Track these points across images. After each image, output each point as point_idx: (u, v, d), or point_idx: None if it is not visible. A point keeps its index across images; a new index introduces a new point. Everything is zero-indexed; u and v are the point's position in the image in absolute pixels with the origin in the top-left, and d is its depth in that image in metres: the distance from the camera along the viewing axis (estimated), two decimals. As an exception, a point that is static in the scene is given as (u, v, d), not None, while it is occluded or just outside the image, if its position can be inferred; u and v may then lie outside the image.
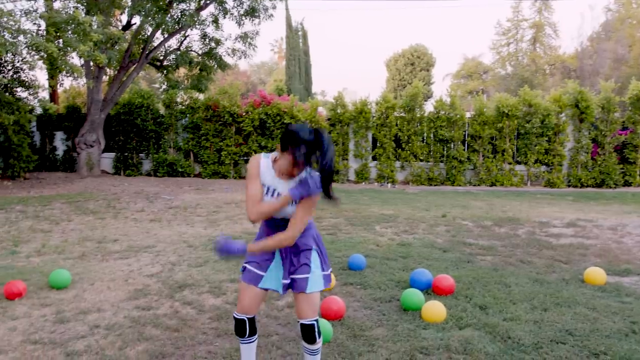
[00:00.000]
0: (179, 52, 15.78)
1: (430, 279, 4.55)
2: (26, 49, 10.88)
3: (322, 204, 2.68)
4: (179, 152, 15.48)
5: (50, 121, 15.92)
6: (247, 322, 2.79)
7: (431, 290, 4.50)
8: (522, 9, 42.33)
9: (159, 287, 4.72)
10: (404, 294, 4.16)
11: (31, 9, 11.44)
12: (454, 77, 46.15)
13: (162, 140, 15.35)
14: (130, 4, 13.49)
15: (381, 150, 15.00)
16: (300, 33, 29.56)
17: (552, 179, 14.60)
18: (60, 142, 16.12)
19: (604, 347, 3.36)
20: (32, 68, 12.26)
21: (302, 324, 2.75)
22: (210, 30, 15.64)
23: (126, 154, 15.52)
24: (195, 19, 14.10)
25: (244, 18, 15.26)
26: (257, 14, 15.12)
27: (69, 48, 11.16)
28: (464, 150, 14.99)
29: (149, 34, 14.93)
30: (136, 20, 14.96)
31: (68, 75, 13.08)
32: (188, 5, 14.58)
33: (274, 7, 15.44)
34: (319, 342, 2.81)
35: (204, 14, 15.17)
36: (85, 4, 12.77)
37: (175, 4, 14.28)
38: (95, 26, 11.86)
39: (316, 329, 2.76)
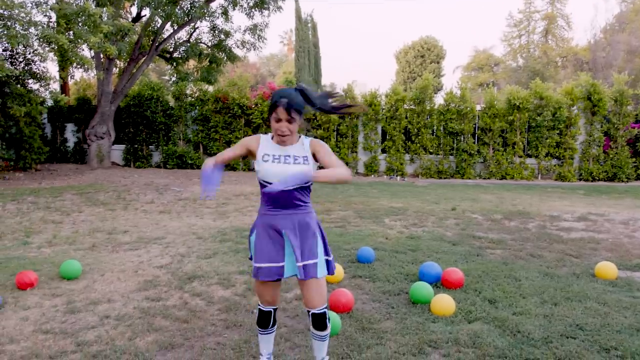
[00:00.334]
0: (188, 44, 15.79)
1: (440, 272, 4.54)
2: (37, 40, 10.94)
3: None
4: (188, 144, 15.54)
5: (61, 113, 16.02)
6: (272, 313, 2.86)
7: (440, 283, 4.48)
8: (534, 0, 41.82)
9: (169, 279, 4.74)
10: (413, 287, 4.14)
11: (42, 0, 11.47)
12: (464, 69, 45.78)
13: (172, 132, 15.40)
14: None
15: (390, 143, 14.94)
16: (309, 25, 29.41)
17: (563, 173, 14.47)
18: (71, 134, 16.23)
19: (614, 343, 3.33)
20: (43, 60, 12.32)
21: (313, 314, 2.76)
22: (219, 22, 15.64)
23: (136, 145, 15.60)
24: (205, 10, 14.08)
25: (253, 10, 15.23)
26: (266, 6, 15.08)
27: (79, 40, 11.20)
28: (474, 143, 14.90)
29: (158, 25, 14.95)
30: (146, 12, 14.97)
31: (79, 67, 13.15)
32: (198, -4, 14.56)
33: (284, -1, 15.38)
34: (329, 328, 2.85)
35: (214, 5, 15.15)
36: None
37: (184, -5, 14.27)
38: (105, 18, 11.90)
39: (327, 317, 2.79)
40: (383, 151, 15.25)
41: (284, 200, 2.72)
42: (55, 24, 11.85)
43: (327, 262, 2.81)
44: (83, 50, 13.35)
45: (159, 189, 10.77)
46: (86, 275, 4.82)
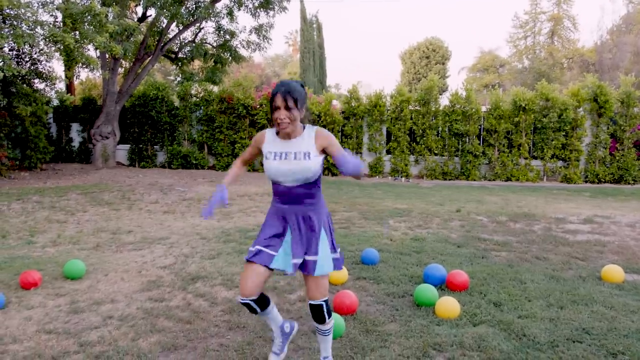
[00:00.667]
0: (193, 45, 15.81)
1: (444, 274, 4.51)
2: (43, 40, 10.96)
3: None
4: (193, 144, 15.55)
5: (67, 113, 16.07)
6: (252, 304, 2.79)
7: (445, 285, 4.45)
8: (540, 1, 41.68)
9: (172, 279, 4.73)
10: (418, 289, 4.12)
11: (48, 0, 11.50)
12: (469, 70, 45.67)
13: (177, 132, 15.41)
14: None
15: (395, 144, 14.91)
16: (314, 26, 29.46)
17: (569, 175, 14.39)
18: (76, 134, 16.28)
19: (621, 347, 3.29)
20: (49, 59, 12.36)
21: (310, 304, 2.80)
22: (225, 22, 15.66)
23: (141, 145, 15.63)
24: (210, 11, 14.10)
25: (258, 10, 15.24)
26: (271, 6, 15.09)
27: (85, 39, 11.22)
28: (479, 144, 14.84)
29: (164, 26, 14.96)
30: (151, 12, 15.00)
31: (84, 66, 13.18)
32: (203, -3, 14.58)
33: (288, 0, 15.38)
34: (330, 323, 2.86)
35: (219, 6, 15.15)
36: (101, -5, 12.82)
37: (190, -5, 14.29)
38: (111, 17, 11.91)
39: (325, 309, 2.79)
40: (388, 152, 15.22)
41: (291, 196, 2.75)
42: (62, 23, 11.88)
43: (334, 259, 2.81)
44: (89, 50, 13.38)
45: (163, 189, 10.78)
46: (90, 275, 4.82)
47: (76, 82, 17.45)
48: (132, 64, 15.23)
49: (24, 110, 12.13)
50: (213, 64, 16.41)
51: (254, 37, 15.97)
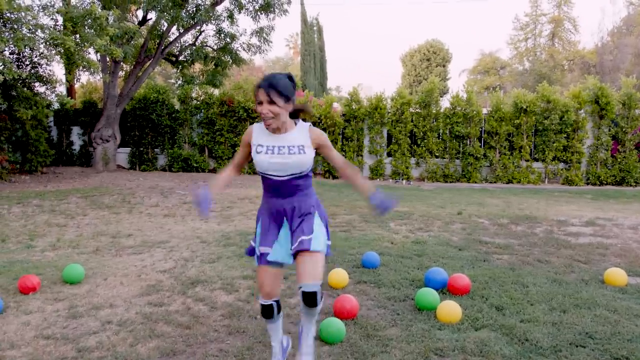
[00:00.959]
0: (194, 48, 15.81)
1: (446, 278, 4.47)
2: (44, 43, 10.96)
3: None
4: (193, 147, 15.53)
5: (67, 116, 16.07)
6: (274, 305, 2.82)
7: (446, 289, 4.42)
8: (540, 4, 41.70)
9: (172, 283, 4.70)
10: (419, 293, 4.08)
11: (49, 3, 11.51)
12: (470, 72, 45.69)
13: (177, 135, 15.40)
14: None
15: (396, 147, 14.88)
16: (315, 28, 29.48)
17: (571, 177, 14.35)
18: (76, 137, 16.27)
19: (625, 352, 3.26)
20: (49, 63, 12.36)
21: (304, 292, 2.63)
22: (225, 25, 15.64)
23: (141, 149, 15.62)
24: (211, 14, 14.10)
25: (259, 13, 15.22)
26: (272, 9, 15.08)
27: (85, 43, 11.22)
28: (481, 146, 14.81)
29: (164, 29, 14.97)
30: (152, 15, 15.01)
31: (85, 70, 13.18)
32: (203, 0, 14.58)
33: (289, 2, 15.38)
34: (320, 304, 2.74)
35: (219, 9, 15.17)
36: (101, -2, 12.85)
37: (190, -1, 14.29)
38: (112, 20, 11.91)
39: (319, 295, 2.66)
40: (389, 155, 15.19)
41: (285, 189, 2.73)
42: (62, 27, 11.89)
43: (327, 245, 2.80)
44: (90, 53, 13.39)
45: (163, 192, 10.76)
46: (89, 279, 4.79)
47: (77, 85, 17.47)
48: (132, 67, 15.24)
49: (24, 114, 12.12)
50: (214, 67, 16.40)
51: (254, 40, 15.97)
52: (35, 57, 12.70)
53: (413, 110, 15.01)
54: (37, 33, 10.77)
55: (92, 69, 12.38)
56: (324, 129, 14.87)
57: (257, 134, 2.74)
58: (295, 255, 2.71)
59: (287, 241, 2.74)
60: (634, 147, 14.39)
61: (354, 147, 15.01)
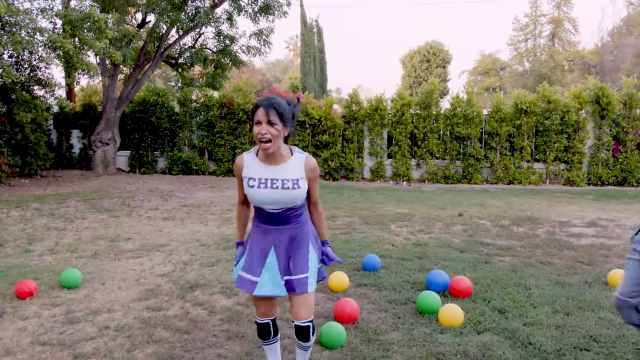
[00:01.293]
0: (193, 50, 15.79)
1: (447, 280, 4.42)
2: (42, 47, 10.93)
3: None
4: (193, 150, 15.49)
5: (67, 119, 16.04)
6: (270, 324, 2.77)
7: (448, 292, 4.37)
8: (540, 4, 41.68)
9: (170, 287, 4.65)
10: (420, 296, 4.03)
11: (47, 7, 11.48)
12: (470, 73, 45.66)
13: (177, 138, 15.36)
14: (144, 1, 13.51)
15: (397, 148, 14.83)
16: (315, 30, 29.46)
17: (572, 177, 14.30)
18: (76, 140, 16.24)
19: (631, 356, 3.20)
20: (48, 66, 12.33)
21: (297, 326, 2.64)
22: (224, 27, 15.63)
23: (141, 151, 15.57)
24: (210, 16, 14.07)
25: (258, 15, 15.21)
26: (271, 11, 15.05)
27: (85, 46, 11.19)
28: (481, 147, 14.76)
29: (163, 31, 14.94)
30: (151, 18, 14.98)
31: (84, 73, 13.15)
32: (202, 2, 14.56)
33: (289, 4, 15.36)
34: (313, 339, 2.73)
35: (219, 11, 15.15)
36: (100, 1, 12.82)
37: (189, 1, 14.27)
38: (111, 23, 11.89)
39: (311, 329, 2.66)
40: (389, 156, 15.14)
41: (277, 219, 2.62)
42: (61, 30, 11.86)
43: (318, 270, 2.73)
44: (89, 56, 13.37)
45: (163, 195, 10.72)
46: (87, 284, 4.74)
47: (77, 88, 17.46)
48: (132, 70, 15.21)
49: (24, 117, 12.09)
50: (213, 69, 16.37)
51: (254, 42, 15.95)
52: (34, 60, 12.68)
53: (413, 112, 14.96)
54: (35, 36, 10.74)
55: (91, 72, 12.34)
56: (324, 131, 14.83)
57: (247, 166, 2.60)
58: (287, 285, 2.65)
59: (276, 271, 2.61)
60: (636, 147, 14.34)
61: (354, 148, 14.96)
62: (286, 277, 2.61)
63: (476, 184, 14.44)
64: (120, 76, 16.24)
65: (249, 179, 2.57)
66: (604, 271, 5.17)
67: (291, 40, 51.20)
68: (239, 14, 15.17)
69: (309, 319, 2.64)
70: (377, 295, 4.42)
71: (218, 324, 3.80)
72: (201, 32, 15.89)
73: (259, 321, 2.77)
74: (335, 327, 3.40)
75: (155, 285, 4.71)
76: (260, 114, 2.44)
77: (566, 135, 14.41)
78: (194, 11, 14.15)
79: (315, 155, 14.65)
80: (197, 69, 17.58)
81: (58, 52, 10.84)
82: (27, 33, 10.50)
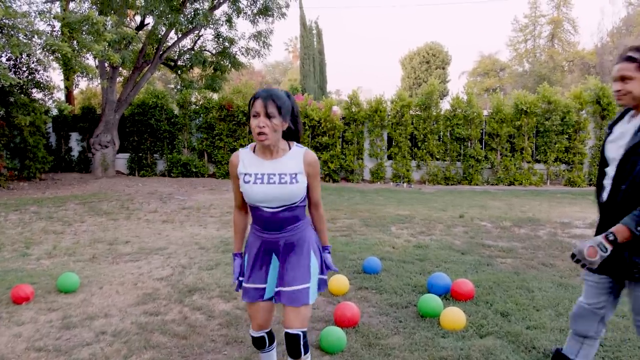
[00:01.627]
0: (192, 52, 15.74)
1: (449, 283, 4.37)
2: (40, 49, 10.89)
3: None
4: (192, 152, 15.44)
5: (66, 122, 15.99)
6: (265, 337, 2.64)
7: (450, 295, 4.31)
8: (539, 5, 41.67)
9: (169, 291, 4.60)
10: (421, 299, 3.98)
11: (45, 10, 11.44)
12: (469, 74, 45.65)
13: (176, 140, 15.31)
14: (143, 3, 13.47)
15: (397, 149, 14.78)
16: (314, 32, 29.44)
17: (573, 178, 14.24)
18: (75, 143, 16.19)
19: (637, 359, 3.14)
20: (46, 69, 12.29)
21: (287, 334, 2.44)
22: (224, 29, 15.59)
23: (140, 154, 15.52)
24: (209, 18, 14.03)
25: (257, 17, 15.18)
26: (270, 13, 15.02)
27: (83, 48, 11.15)
28: (482, 148, 14.71)
29: (162, 34, 14.90)
30: (149, 20, 14.94)
31: (82, 75, 13.11)
32: (201, 4, 14.53)
33: (287, 6, 15.34)
34: (306, 357, 2.51)
35: (218, 13, 15.12)
36: (98, 4, 12.78)
37: (188, 3, 14.24)
38: (109, 26, 11.85)
39: (301, 341, 2.44)
40: (389, 158, 15.08)
41: (275, 222, 2.44)
42: (59, 32, 11.83)
43: (320, 280, 2.56)
44: (88, 59, 13.33)
45: (162, 198, 10.66)
46: (84, 288, 4.69)
47: (76, 91, 17.41)
48: (131, 72, 15.16)
49: (22, 120, 12.05)
50: (212, 71, 16.33)
51: (253, 44, 15.92)
52: (32, 63, 12.63)
53: (413, 113, 14.91)
54: (33, 39, 10.70)
55: (89, 75, 12.30)
56: (324, 132, 14.78)
57: (243, 162, 2.44)
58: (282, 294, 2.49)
59: (275, 278, 2.49)
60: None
61: (354, 150, 14.91)
62: (286, 288, 2.44)
63: (477, 185, 14.38)
64: (119, 79, 16.19)
65: (245, 174, 2.41)
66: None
67: (290, 42, 51.21)
68: (238, 16, 15.14)
69: (301, 329, 2.45)
70: (377, 299, 4.36)
71: (217, 328, 3.74)
72: (200, 34, 15.86)
73: (254, 335, 2.62)
74: (335, 332, 3.34)
75: (154, 289, 4.66)
76: (258, 106, 2.30)
77: (567, 136, 14.36)
78: (192, 13, 14.10)
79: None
80: (197, 71, 17.55)
81: (56, 55, 10.80)
82: (25, 36, 10.46)
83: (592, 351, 2.69)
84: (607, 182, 2.50)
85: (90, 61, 13.59)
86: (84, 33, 11.21)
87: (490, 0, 66.85)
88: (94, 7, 12.70)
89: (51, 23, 11.61)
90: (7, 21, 10.11)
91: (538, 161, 14.71)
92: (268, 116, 2.29)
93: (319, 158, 14.63)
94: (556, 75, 36.71)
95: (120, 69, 15.28)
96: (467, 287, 4.29)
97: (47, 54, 11.01)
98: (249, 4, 15.02)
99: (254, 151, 2.47)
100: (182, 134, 15.38)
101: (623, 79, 2.40)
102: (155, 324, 3.80)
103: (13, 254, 6.10)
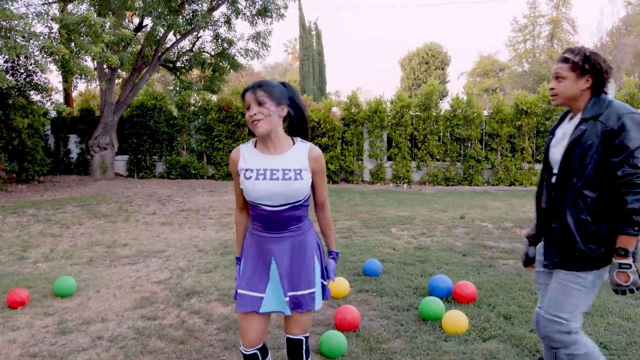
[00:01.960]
0: (191, 54, 15.69)
1: (451, 285, 4.31)
2: (39, 51, 10.83)
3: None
4: (192, 154, 15.39)
5: (64, 124, 15.94)
6: (259, 354, 2.39)
7: (451, 297, 4.25)
8: (538, 5, 41.65)
9: (166, 295, 4.53)
10: (423, 302, 3.91)
11: (43, 11, 11.38)
12: (469, 75, 45.61)
13: (175, 142, 15.26)
14: (141, 5, 13.42)
15: (396, 150, 14.72)
16: (313, 33, 29.41)
17: (574, 178, 14.18)
18: (74, 145, 16.14)
19: (643, 363, 3.09)
20: (44, 71, 12.23)
21: (289, 339, 2.38)
22: (222, 30, 15.54)
23: (139, 156, 15.47)
24: (208, 19, 13.98)
25: (256, 18, 15.13)
26: (269, 14, 14.98)
27: (81, 50, 11.09)
28: (482, 149, 14.65)
29: (161, 35, 14.85)
30: (148, 21, 14.89)
31: (81, 77, 13.06)
32: (200, 5, 14.47)
33: (286, 7, 15.30)
34: None
35: (216, 14, 15.08)
36: (96, 5, 12.73)
37: (187, 4, 14.18)
38: (107, 27, 11.79)
39: (304, 347, 2.37)
40: (389, 158, 15.03)
41: (276, 222, 2.29)
42: (57, 34, 11.77)
43: (323, 286, 2.43)
44: (86, 61, 13.27)
45: (161, 200, 10.60)
46: (81, 292, 4.62)
47: (75, 93, 17.36)
48: (129, 74, 15.11)
49: (20, 123, 11.98)
50: (211, 72, 16.28)
51: (252, 45, 15.87)
52: (30, 65, 12.57)
53: (413, 114, 14.86)
54: (31, 41, 10.64)
55: (88, 77, 12.24)
56: (323, 133, 14.72)
57: (244, 157, 2.32)
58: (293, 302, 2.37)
59: (279, 286, 2.31)
60: (637, 147, 14.23)
61: (354, 151, 14.85)
62: (291, 293, 2.30)
63: (477, 185, 14.32)
64: (118, 80, 16.14)
65: (246, 170, 2.28)
66: (610, 274, 5.04)
67: (290, 43, 51.20)
68: (237, 17, 15.09)
69: (303, 334, 2.38)
70: (378, 302, 4.30)
71: (215, 333, 3.68)
72: (199, 35, 15.80)
73: (245, 352, 2.37)
74: (335, 336, 3.28)
75: (151, 293, 4.59)
76: (248, 97, 2.23)
77: (567, 136, 14.30)
78: (191, 14, 14.05)
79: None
80: (195, 72, 17.50)
81: (55, 56, 10.74)
82: (23, 38, 10.40)
83: None
84: (554, 182, 2.45)
85: (89, 63, 13.54)
86: (81, 35, 11.15)
87: (489, 0, 66.84)
88: (92, 8, 12.64)
89: (49, 25, 11.56)
90: (4, 23, 10.06)
91: (538, 161, 14.65)
92: (259, 104, 2.21)
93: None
94: (556, 75, 36.65)
95: (119, 70, 15.24)
96: (469, 289, 4.23)
97: (45, 56, 10.95)
98: (247, 5, 14.98)
99: (255, 146, 2.35)
100: (181, 135, 15.33)
101: (558, 78, 2.43)
102: (152, 329, 3.74)
103: (10, 257, 6.04)
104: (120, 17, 13.48)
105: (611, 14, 52.58)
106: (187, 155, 15.38)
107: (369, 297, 4.44)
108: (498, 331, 3.61)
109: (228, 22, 15.07)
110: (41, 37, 10.54)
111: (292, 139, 2.35)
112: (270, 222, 2.30)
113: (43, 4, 13.18)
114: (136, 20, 16.05)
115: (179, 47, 15.83)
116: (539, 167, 14.51)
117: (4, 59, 12.09)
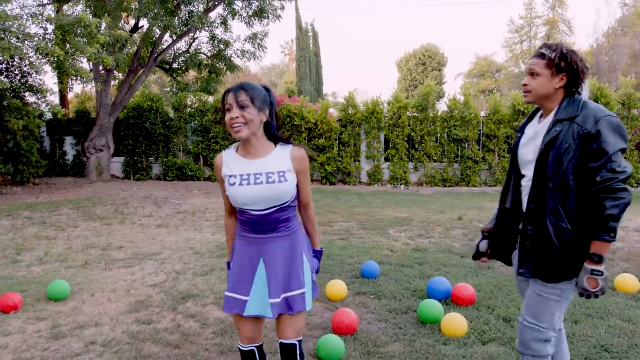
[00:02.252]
0: (187, 55, 15.63)
1: (449, 288, 4.26)
2: (33, 52, 10.75)
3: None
4: (188, 155, 15.32)
5: (60, 126, 15.85)
6: (256, 351, 2.40)
7: (450, 300, 4.20)
8: (535, 6, 41.71)
9: (162, 298, 4.47)
10: (421, 305, 3.87)
11: (38, 12, 11.30)
12: (466, 76, 45.64)
13: (172, 143, 15.19)
14: (137, 6, 13.36)
15: (394, 151, 14.68)
16: (310, 34, 29.38)
17: (571, 179, 14.16)
18: (69, 147, 16.04)
19: (645, 366, 3.05)
20: (38, 72, 12.16)
21: (282, 344, 2.33)
22: (219, 31, 15.50)
23: (135, 158, 15.39)
24: (204, 20, 13.93)
25: (252, 19, 15.09)
26: (265, 15, 14.93)
27: (76, 51, 11.02)
28: (479, 150, 14.63)
29: (157, 36, 14.79)
30: (144, 22, 14.83)
31: (76, 78, 12.98)
32: (196, 6, 14.42)
33: (282, 8, 15.27)
34: None
35: (213, 15, 15.02)
36: (92, 6, 12.66)
37: (183, 5, 14.13)
38: (103, 28, 11.72)
39: (297, 351, 2.33)
40: (386, 159, 14.99)
41: (264, 225, 2.28)
42: (52, 35, 11.69)
43: (313, 283, 2.40)
44: (82, 62, 13.19)
45: (157, 202, 10.53)
46: (75, 295, 4.56)
47: (70, 94, 17.29)
48: (125, 75, 15.04)
49: (15, 124, 11.89)
50: (208, 74, 16.22)
51: (248, 46, 15.82)
52: (25, 66, 12.49)
53: (410, 114, 14.82)
54: (25, 42, 10.56)
55: (83, 78, 12.16)
56: (320, 134, 14.67)
57: (227, 163, 2.30)
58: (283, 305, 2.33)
59: (264, 288, 2.28)
60: (635, 147, 14.23)
61: (351, 152, 14.81)
62: (284, 295, 2.28)
63: (474, 186, 14.29)
64: (114, 82, 16.06)
65: (230, 176, 2.26)
66: (610, 275, 5.01)
67: (287, 44, 51.19)
68: (233, 18, 15.04)
69: (296, 338, 2.34)
70: (376, 304, 4.25)
71: (210, 337, 3.63)
72: (195, 36, 15.75)
73: (243, 348, 2.39)
74: (333, 340, 3.23)
75: (146, 297, 4.53)
76: (229, 98, 2.20)
77: (564, 137, 14.28)
78: (187, 15, 14.00)
79: (311, 159, 14.48)
80: (192, 73, 17.44)
81: (50, 58, 10.66)
82: (17, 39, 10.32)
83: (561, 350, 2.58)
84: (526, 185, 2.38)
85: (84, 64, 13.47)
86: (77, 36, 11.08)
87: (486, 1, 66.96)
88: (88, 9, 12.57)
89: (43, 26, 11.47)
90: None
91: (536, 162, 14.62)
92: (241, 107, 2.18)
93: (316, 160, 14.52)
94: (552, 76, 36.70)
95: (115, 72, 15.16)
96: (467, 291, 4.19)
97: (39, 57, 10.88)
98: (244, 6, 14.93)
99: (237, 151, 2.34)
100: (177, 137, 15.26)
101: (532, 74, 2.35)
102: (147, 333, 3.68)
103: (3, 260, 5.97)
104: (116, 18, 13.41)
105: (607, 15, 52.79)
106: (183, 157, 15.31)
107: (367, 299, 4.39)
108: (497, 334, 3.56)
109: (224, 23, 15.02)
110: (36, 38, 10.46)
111: (274, 143, 2.32)
112: (258, 225, 2.28)
113: (38, 5, 13.10)
114: (132, 22, 15.98)
115: (175, 48, 15.77)
116: (536, 167, 14.49)
117: (-1, 61, 12.00)
